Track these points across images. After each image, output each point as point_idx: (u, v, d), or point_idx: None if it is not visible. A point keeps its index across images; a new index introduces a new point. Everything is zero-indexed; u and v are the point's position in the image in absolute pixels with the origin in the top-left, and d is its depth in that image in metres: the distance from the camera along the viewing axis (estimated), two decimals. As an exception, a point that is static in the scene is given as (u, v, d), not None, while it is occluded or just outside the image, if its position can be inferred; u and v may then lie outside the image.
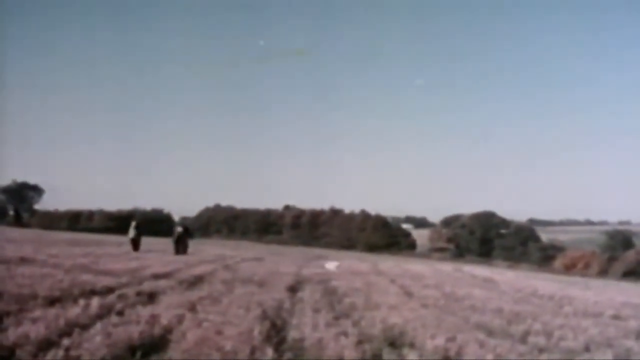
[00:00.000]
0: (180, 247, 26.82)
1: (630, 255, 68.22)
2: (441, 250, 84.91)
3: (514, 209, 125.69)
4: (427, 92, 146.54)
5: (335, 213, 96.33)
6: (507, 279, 24.75)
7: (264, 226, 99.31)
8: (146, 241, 29.14)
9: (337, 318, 9.78)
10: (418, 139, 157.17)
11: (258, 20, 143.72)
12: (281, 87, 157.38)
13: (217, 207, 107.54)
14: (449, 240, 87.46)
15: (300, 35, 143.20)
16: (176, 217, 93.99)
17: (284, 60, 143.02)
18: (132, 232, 27.34)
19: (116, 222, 69.12)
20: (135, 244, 26.72)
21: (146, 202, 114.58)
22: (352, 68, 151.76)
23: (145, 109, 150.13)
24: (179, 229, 28.04)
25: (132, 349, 6.68)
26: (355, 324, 9.31)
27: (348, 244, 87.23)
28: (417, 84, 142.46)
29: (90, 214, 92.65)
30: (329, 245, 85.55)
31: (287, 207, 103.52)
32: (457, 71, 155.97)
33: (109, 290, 10.86)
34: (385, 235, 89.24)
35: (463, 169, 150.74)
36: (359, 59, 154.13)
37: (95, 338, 6.81)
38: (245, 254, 33.45)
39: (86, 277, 12.26)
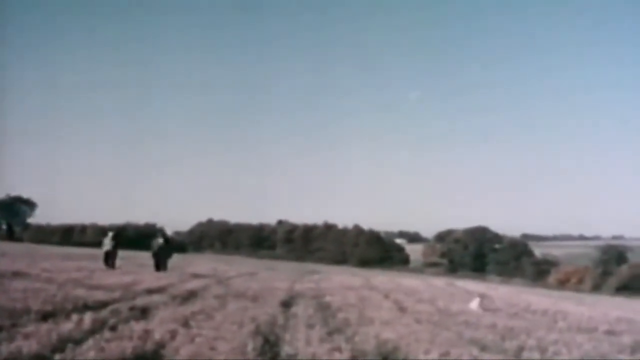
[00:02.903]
0: (161, 261, 23.48)
1: (623, 270, 68.39)
2: (435, 265, 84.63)
3: (507, 224, 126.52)
4: (421, 107, 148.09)
5: (329, 228, 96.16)
6: (501, 294, 24.73)
7: (257, 241, 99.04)
8: (139, 256, 28.79)
9: (330, 333, 9.75)
10: (411, 154, 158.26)
11: (256, 31, 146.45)
12: (275, 101, 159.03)
13: (210, 222, 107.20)
14: (443, 255, 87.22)
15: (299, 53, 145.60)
16: (169, 232, 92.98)
17: (279, 72, 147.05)
18: (107, 244, 23.73)
19: (109, 237, 68.47)
20: (110, 258, 23.31)
21: (139, 216, 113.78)
22: (346, 82, 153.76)
23: (140, 123, 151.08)
24: (159, 240, 24.35)
25: (125, 365, 6.64)
26: (349, 339, 9.27)
27: (341, 259, 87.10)
28: (412, 98, 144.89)
29: (83, 228, 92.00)
30: (323, 259, 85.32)
31: (280, 222, 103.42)
32: (450, 86, 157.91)
33: (102, 305, 10.77)
34: (378, 250, 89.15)
35: (456, 184, 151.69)
36: (353, 73, 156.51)
37: (89, 353, 6.77)
38: (238, 269, 33.18)
39: (79, 292, 12.18)
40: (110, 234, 24.66)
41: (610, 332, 12.83)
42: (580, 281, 69.48)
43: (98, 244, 27.63)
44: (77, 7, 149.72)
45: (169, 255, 24.40)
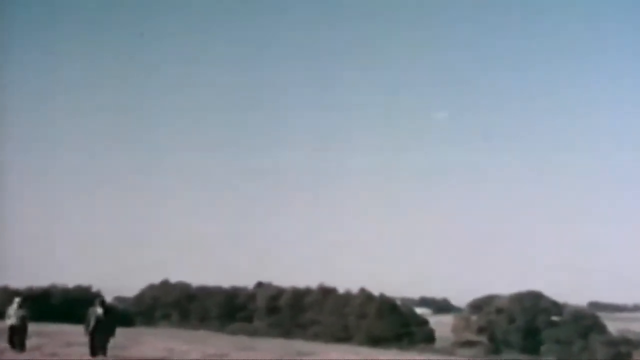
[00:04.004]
0: (99, 341, 22.24)
1: None
2: (470, 344, 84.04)
3: (569, 288, 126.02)
4: (450, 129, 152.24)
5: (326, 293, 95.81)
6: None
7: (229, 310, 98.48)
8: (66, 332, 27.94)
9: None
10: (435, 195, 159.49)
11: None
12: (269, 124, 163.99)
13: (166, 285, 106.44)
14: (481, 330, 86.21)
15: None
16: (109, 298, 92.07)
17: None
18: (12, 316, 22.69)
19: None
20: (17, 334, 22.51)
21: (67, 276, 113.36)
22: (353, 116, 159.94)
23: (75, 160, 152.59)
24: (98, 311, 22.58)
25: None
26: None
27: (343, 335, 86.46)
28: (439, 117, 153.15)
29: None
30: (318, 336, 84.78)
31: (260, 285, 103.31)
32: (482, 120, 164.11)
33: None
34: (393, 324, 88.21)
35: (498, 233, 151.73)
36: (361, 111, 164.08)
37: None
38: (203, 350, 32.62)
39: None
40: (17, 300, 23.52)
41: None
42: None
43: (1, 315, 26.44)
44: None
45: (110, 332, 22.86)
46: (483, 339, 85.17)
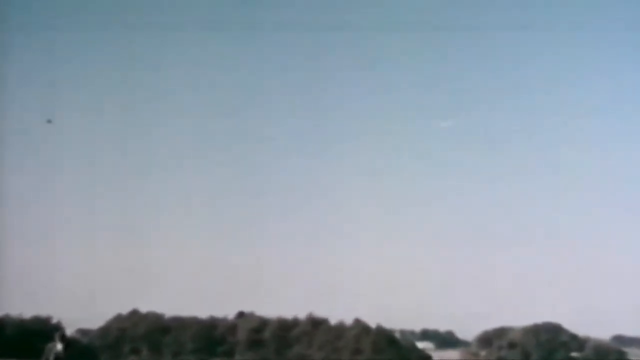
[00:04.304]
0: None
1: None
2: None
3: (591, 320, 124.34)
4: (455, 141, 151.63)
5: (316, 324, 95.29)
6: None
7: (207, 344, 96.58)
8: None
9: None
10: (438, 219, 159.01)
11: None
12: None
13: (135, 315, 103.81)
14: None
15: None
16: (71, 330, 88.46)
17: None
18: None
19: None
20: None
21: (22, 306, 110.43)
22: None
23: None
24: (58, 346, 23.94)
25: None
26: None
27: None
28: (442, 126, 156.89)
29: None
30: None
31: (241, 315, 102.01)
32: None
33: None
34: (391, 358, 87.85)
35: (509, 260, 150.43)
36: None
37: None
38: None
39: None
40: None
41: None
42: None
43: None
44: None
45: None
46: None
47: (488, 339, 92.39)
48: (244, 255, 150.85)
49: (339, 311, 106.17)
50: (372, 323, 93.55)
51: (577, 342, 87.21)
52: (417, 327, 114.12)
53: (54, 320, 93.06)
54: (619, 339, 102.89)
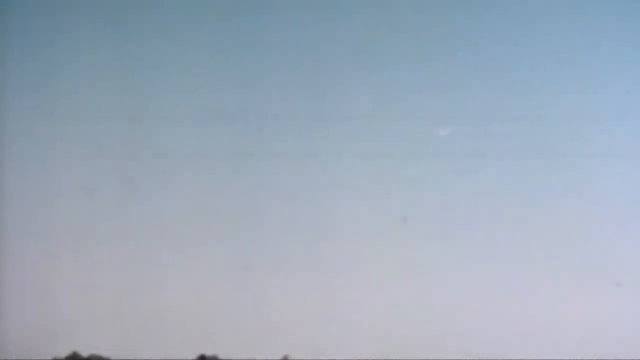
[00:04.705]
0: None
1: None
2: None
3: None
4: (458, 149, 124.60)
5: None
6: None
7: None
8: None
9: None
10: (445, 244, 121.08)
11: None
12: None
13: (75, 358, 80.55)
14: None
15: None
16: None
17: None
18: None
19: None
20: None
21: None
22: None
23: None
24: None
25: None
26: None
27: None
28: (442, 134, 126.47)
29: None
30: None
31: (202, 358, 75.67)
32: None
33: None
34: None
35: (524, 297, 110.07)
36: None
37: None
38: None
39: None
40: None
41: None
42: None
43: None
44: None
45: None
46: None
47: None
48: (206, 285, 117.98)
49: (325, 349, 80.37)
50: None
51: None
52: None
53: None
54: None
